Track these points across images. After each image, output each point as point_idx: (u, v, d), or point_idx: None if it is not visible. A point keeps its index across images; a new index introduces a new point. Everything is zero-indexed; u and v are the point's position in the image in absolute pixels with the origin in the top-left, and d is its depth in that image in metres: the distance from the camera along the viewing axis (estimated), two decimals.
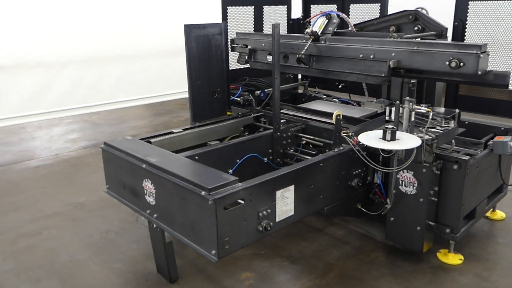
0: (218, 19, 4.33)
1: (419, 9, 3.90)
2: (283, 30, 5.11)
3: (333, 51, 3.47)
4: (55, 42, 6.58)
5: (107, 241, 3.56)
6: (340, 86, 4.91)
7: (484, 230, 3.63)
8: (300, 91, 5.09)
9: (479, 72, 2.73)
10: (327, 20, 3.58)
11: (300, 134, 3.77)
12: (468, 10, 3.67)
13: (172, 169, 2.60)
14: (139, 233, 3.66)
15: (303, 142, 3.74)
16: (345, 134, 2.64)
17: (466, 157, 2.91)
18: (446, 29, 3.76)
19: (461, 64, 2.76)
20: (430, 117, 2.60)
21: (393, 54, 3.10)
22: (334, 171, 3.05)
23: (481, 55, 2.71)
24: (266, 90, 4.36)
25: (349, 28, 3.71)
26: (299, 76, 5.31)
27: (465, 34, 3.71)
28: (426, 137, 2.65)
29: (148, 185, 2.79)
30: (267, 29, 4.98)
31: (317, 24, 3.59)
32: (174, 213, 2.62)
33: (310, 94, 4.85)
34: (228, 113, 4.12)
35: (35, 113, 6.65)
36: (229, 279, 3.04)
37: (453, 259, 3.17)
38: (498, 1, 3.51)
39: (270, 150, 3.62)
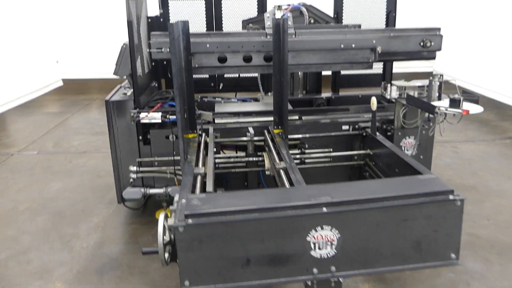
0: None
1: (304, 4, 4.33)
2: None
3: (310, 44, 3.44)
4: None
5: None
6: (220, 87, 4.66)
7: None
8: None
9: (441, 49, 3.60)
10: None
11: None
12: (343, 3, 4.47)
13: (379, 194, 2.12)
14: None
15: None
16: (444, 108, 2.83)
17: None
18: (333, 18, 4.40)
19: (432, 43, 3.54)
20: (457, 84, 3.26)
21: (374, 41, 3.49)
22: None
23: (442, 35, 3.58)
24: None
25: (304, 21, 3.73)
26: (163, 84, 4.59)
27: (343, 21, 4.50)
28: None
29: (323, 234, 2.11)
30: None
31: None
32: (380, 246, 2.16)
33: (203, 98, 4.34)
34: (192, 135, 3.23)
35: None
36: None
37: None
38: None
39: None
